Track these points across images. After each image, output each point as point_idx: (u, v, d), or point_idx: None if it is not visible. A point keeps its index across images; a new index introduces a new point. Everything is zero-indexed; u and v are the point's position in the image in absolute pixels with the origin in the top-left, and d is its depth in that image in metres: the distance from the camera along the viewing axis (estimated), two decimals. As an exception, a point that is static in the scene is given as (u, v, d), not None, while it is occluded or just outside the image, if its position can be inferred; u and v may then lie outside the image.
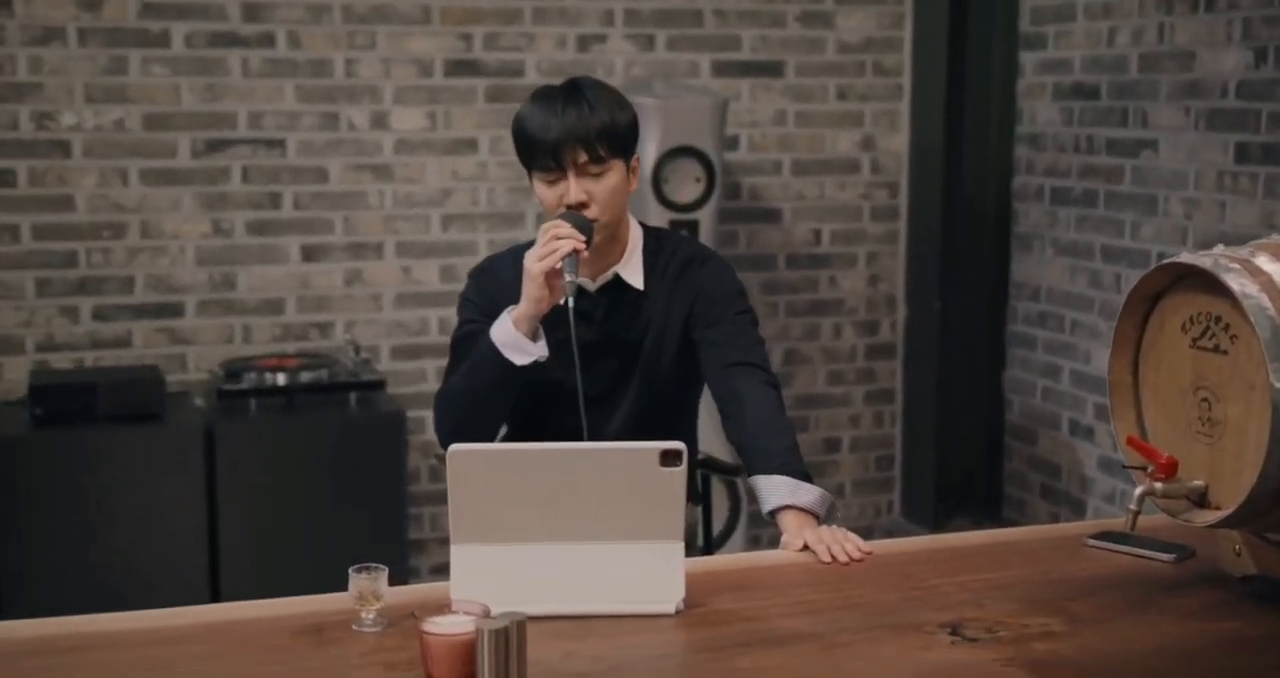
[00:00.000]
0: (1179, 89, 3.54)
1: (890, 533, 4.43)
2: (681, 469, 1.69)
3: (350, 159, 3.94)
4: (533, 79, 4.02)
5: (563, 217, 2.13)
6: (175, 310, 3.85)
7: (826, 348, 4.39)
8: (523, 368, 2.12)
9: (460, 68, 3.98)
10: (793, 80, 4.25)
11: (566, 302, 2.08)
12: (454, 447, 1.67)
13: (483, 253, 4.04)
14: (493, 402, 2.18)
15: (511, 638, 1.45)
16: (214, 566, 3.56)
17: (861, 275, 4.41)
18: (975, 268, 4.30)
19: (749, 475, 2.10)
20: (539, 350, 2.12)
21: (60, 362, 3.77)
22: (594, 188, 2.14)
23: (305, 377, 3.66)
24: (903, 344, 4.45)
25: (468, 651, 1.48)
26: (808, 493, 2.02)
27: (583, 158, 2.13)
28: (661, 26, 4.12)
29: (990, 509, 4.38)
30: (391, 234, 4.00)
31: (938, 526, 4.35)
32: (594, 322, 2.22)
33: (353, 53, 3.90)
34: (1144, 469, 1.76)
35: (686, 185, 3.74)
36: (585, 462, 1.71)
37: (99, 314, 3.79)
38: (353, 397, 3.70)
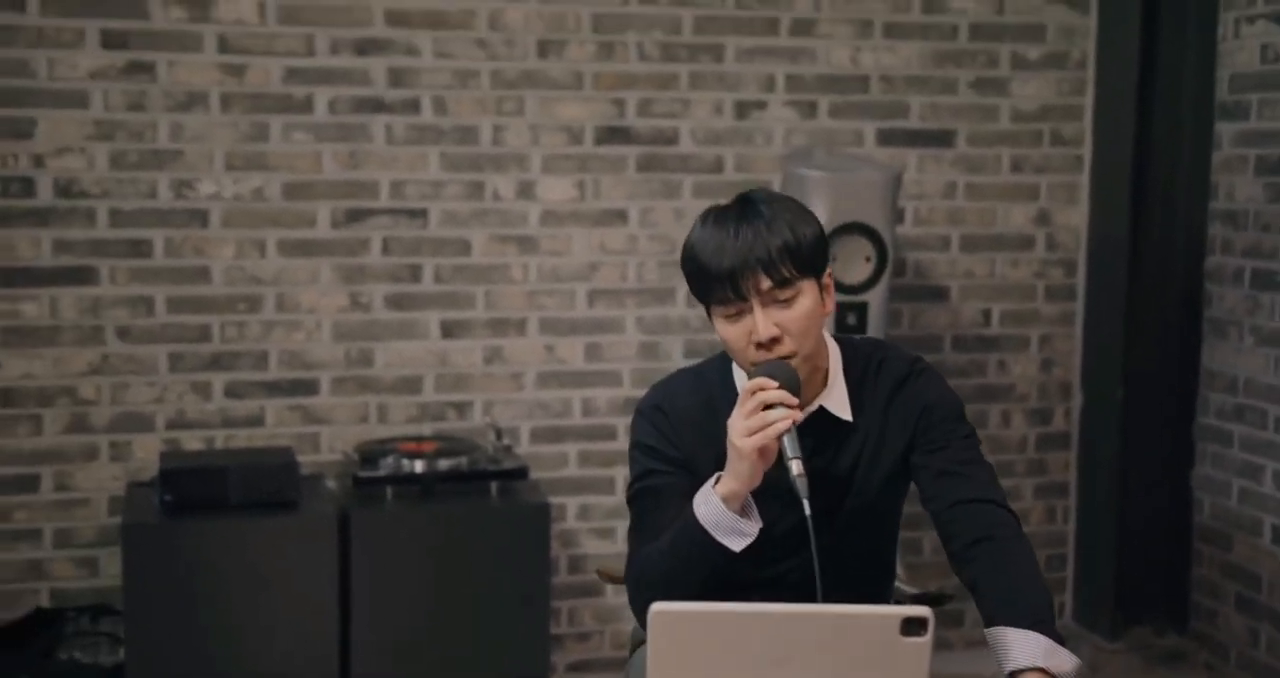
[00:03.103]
0: None
1: (1062, 639, 4.07)
2: (927, 640, 1.42)
3: (494, 230, 3.74)
4: (687, 147, 3.80)
5: (763, 371, 1.83)
6: (310, 388, 3.67)
7: (994, 437, 4.07)
8: (740, 552, 1.83)
9: (611, 135, 3.77)
10: (964, 150, 3.97)
11: (805, 509, 1.77)
12: (658, 606, 1.42)
13: (630, 331, 3.81)
14: (703, 585, 1.85)
15: None
16: (345, 662, 3.35)
17: (1034, 360, 4.09)
18: (1161, 354, 3.96)
19: (988, 626, 1.81)
20: (754, 528, 1.83)
21: (191, 440, 3.60)
22: (785, 318, 1.85)
23: (444, 464, 3.45)
24: (1078, 434, 4.11)
25: None
26: (1065, 660, 1.74)
27: (766, 284, 1.84)
28: (825, 92, 3.87)
29: (1175, 619, 4.01)
30: (535, 310, 3.78)
31: (1115, 633, 4.00)
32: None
33: (500, 119, 3.71)
34: None
35: (855, 265, 3.47)
36: (810, 627, 1.45)
37: (231, 391, 3.62)
38: (494, 486, 3.47)
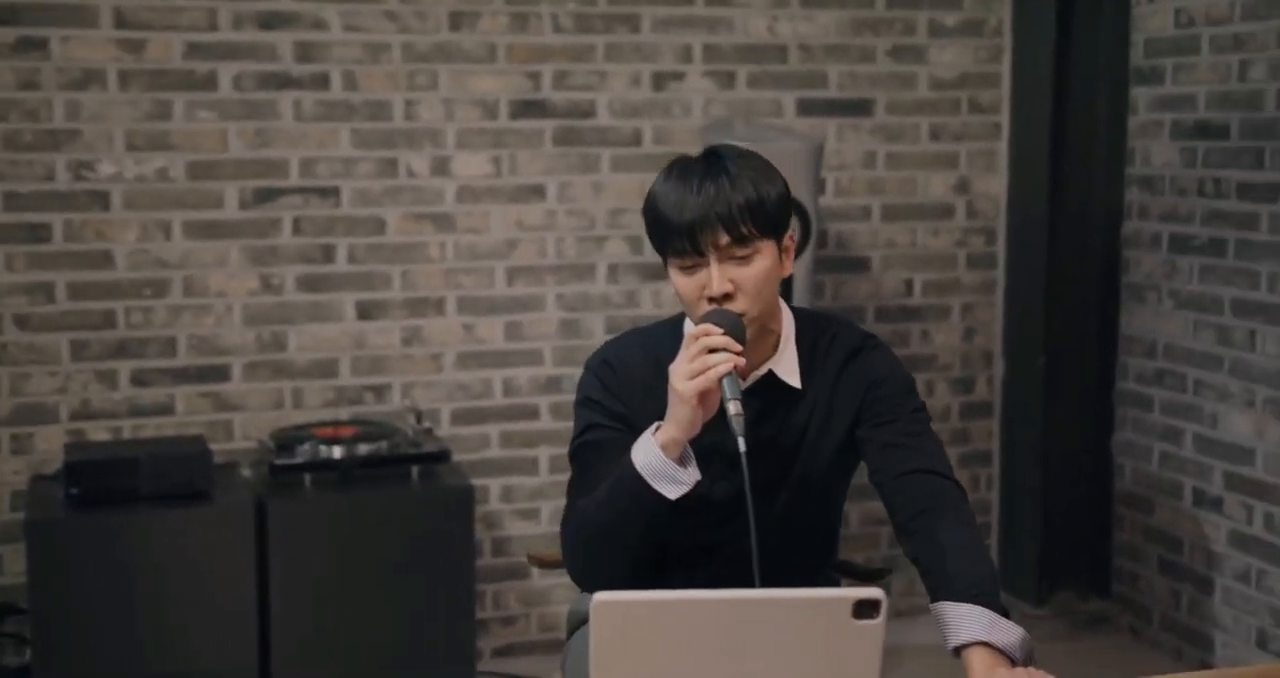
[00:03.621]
0: (1326, 129, 3.21)
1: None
2: (879, 622, 1.37)
3: (409, 208, 3.64)
4: (604, 119, 3.73)
5: (709, 318, 1.81)
6: (221, 374, 3.56)
7: (918, 407, 4.05)
8: (676, 501, 1.80)
9: (527, 108, 3.68)
10: (883, 119, 3.94)
11: (740, 446, 1.74)
12: (601, 596, 1.35)
13: (551, 308, 3.74)
14: (638, 536, 1.85)
15: None
16: (265, 654, 3.25)
17: (956, 329, 4.08)
18: (1082, 320, 3.97)
19: (933, 601, 1.78)
20: (692, 477, 1.80)
21: (97, 431, 3.47)
22: (740, 275, 1.82)
23: (364, 449, 3.35)
24: (1001, 403, 4.12)
25: None
26: (1007, 631, 1.71)
27: (725, 239, 1.80)
28: (743, 62, 3.81)
29: (1098, 583, 4.04)
30: (453, 289, 3.69)
31: (1040, 599, 4.01)
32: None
33: (413, 94, 3.60)
34: None
35: (779, 236, 3.42)
36: (760, 613, 1.39)
37: (139, 379, 3.49)
38: (415, 470, 3.38)
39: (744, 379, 1.89)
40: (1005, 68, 3.99)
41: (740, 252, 1.82)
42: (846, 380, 1.95)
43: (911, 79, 3.94)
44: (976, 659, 1.68)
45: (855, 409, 1.94)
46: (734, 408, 1.75)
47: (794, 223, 3.41)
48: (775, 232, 1.86)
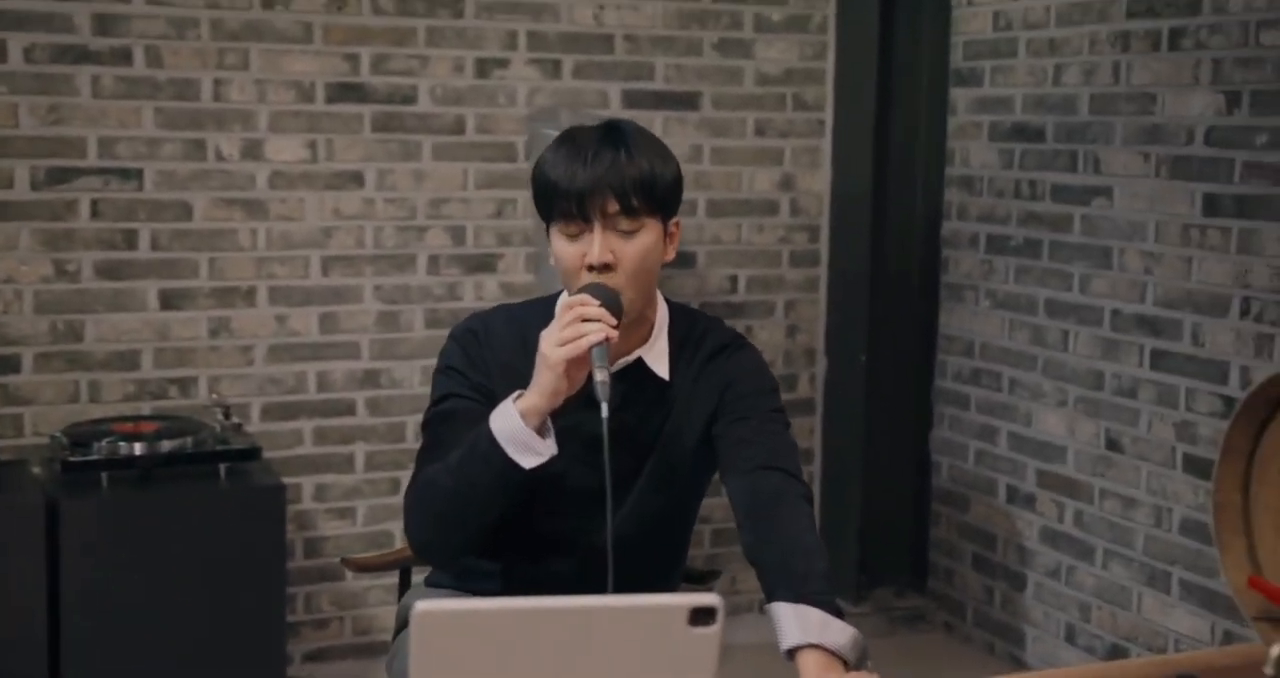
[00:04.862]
0: (1137, 133, 3.29)
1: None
2: (715, 630, 1.31)
3: (218, 193, 3.46)
4: (426, 106, 3.61)
5: (587, 290, 1.76)
6: (10, 365, 3.33)
7: (741, 403, 4.04)
8: (530, 471, 1.73)
9: (345, 92, 3.54)
10: (709, 113, 3.91)
11: (602, 411, 1.69)
12: (421, 605, 1.26)
13: (368, 300, 3.61)
14: (488, 507, 1.78)
15: None
16: (55, 664, 3.05)
17: (780, 326, 4.08)
18: (902, 319, 4.00)
19: (768, 601, 1.74)
20: (549, 449, 1.74)
21: None
22: (623, 248, 1.79)
23: (167, 446, 3.17)
24: (822, 400, 4.13)
25: None
26: (839, 632, 1.67)
27: (613, 207, 1.77)
28: (568, 51, 3.74)
29: (915, 580, 4.08)
30: (264, 278, 3.53)
31: (860, 596, 4.04)
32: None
33: (222, 73, 3.43)
34: (1276, 620, 1.44)
35: (604, 229, 3.35)
36: (591, 621, 1.31)
37: (-82, 370, 3.25)
38: (222, 468, 3.21)
39: (612, 364, 1.83)
40: (829, 65, 4.00)
41: (626, 225, 1.78)
42: (709, 376, 1.92)
43: (738, 73, 3.92)
44: (808, 663, 1.64)
45: (714, 405, 1.91)
46: (601, 375, 1.70)
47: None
48: (664, 211, 1.83)
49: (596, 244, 1.78)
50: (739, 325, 4.00)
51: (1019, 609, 3.71)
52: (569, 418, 1.77)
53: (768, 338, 4.06)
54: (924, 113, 3.94)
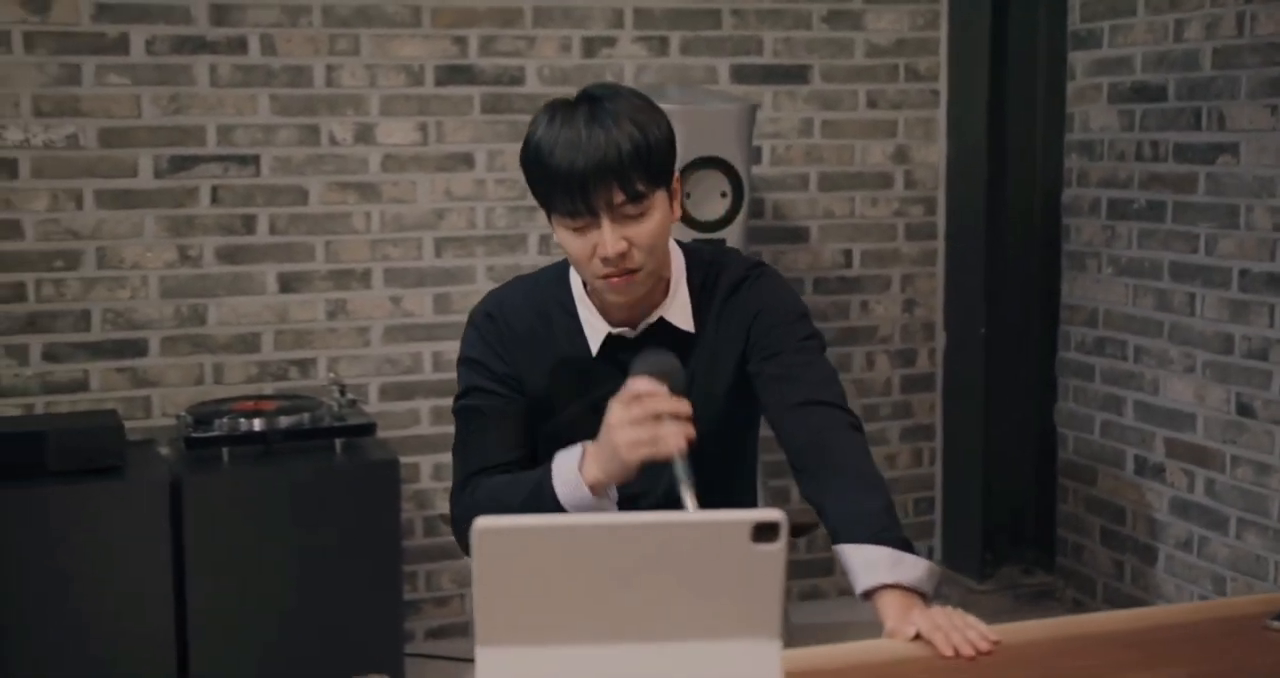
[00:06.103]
0: (1264, 86, 3.16)
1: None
2: (780, 546, 1.28)
3: (332, 177, 3.53)
4: (534, 87, 3.64)
5: (644, 367, 1.64)
6: (137, 349, 3.44)
7: (859, 380, 3.98)
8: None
9: (453, 74, 3.58)
10: (819, 86, 3.87)
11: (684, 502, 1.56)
12: (481, 522, 1.26)
13: (481, 281, 3.64)
14: None
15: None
16: (182, 636, 3.13)
17: (896, 300, 4.01)
18: (1022, 290, 3.91)
19: (835, 544, 1.68)
20: (612, 504, 1.69)
21: (6, 408, 3.34)
22: (634, 232, 1.70)
23: (285, 421, 3.24)
24: (942, 375, 4.05)
25: None
26: (911, 567, 1.62)
27: (619, 198, 1.68)
28: (675, 28, 3.73)
29: (1043, 556, 3.98)
30: (379, 260, 3.59)
31: (984, 574, 3.95)
32: None
33: (334, 59, 3.50)
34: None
35: (711, 201, 3.34)
36: (653, 538, 1.30)
37: (50, 354, 3.37)
38: (338, 443, 3.27)
39: (634, 327, 1.80)
40: (943, 34, 3.93)
41: (633, 210, 1.69)
42: (730, 315, 1.84)
43: (848, 45, 3.87)
44: (886, 604, 1.60)
45: (742, 345, 1.83)
46: (689, 500, 1.54)
47: (726, 185, 3.34)
48: (665, 178, 1.74)
49: (608, 238, 1.69)
50: (854, 301, 3.96)
51: (1150, 584, 3.58)
52: (605, 389, 1.69)
53: (884, 313, 4.00)
54: (1041, 78, 3.84)
